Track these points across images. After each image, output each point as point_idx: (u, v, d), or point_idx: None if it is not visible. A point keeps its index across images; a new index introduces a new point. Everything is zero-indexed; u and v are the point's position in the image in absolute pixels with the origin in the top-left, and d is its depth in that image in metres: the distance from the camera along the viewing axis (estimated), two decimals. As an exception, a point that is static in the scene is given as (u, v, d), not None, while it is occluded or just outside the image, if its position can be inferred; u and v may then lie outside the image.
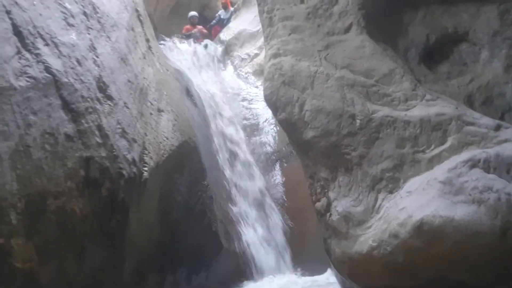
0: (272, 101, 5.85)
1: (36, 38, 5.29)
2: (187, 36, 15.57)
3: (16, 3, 5.20)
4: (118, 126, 6.04)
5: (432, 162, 4.86)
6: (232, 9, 16.30)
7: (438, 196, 4.37)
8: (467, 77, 5.65)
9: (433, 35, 5.90)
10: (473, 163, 4.46)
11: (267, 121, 11.49)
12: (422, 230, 4.31)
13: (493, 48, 5.66)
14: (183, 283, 7.65)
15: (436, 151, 4.90)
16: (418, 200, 4.51)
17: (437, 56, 5.88)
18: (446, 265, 4.28)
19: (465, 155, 4.63)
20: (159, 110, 7.72)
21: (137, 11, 8.33)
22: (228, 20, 15.92)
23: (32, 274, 4.72)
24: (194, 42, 14.82)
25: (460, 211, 4.18)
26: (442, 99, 5.26)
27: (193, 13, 16.39)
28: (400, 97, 5.28)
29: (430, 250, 4.30)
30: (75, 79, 5.55)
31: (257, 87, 12.42)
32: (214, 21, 16.65)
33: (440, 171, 4.60)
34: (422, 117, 5.05)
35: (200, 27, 16.37)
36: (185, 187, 7.92)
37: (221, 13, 16.52)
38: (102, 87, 5.99)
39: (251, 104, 12.14)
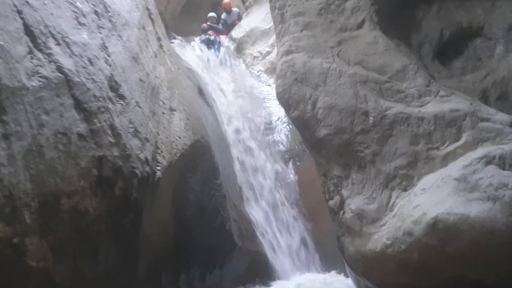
0: (284, 99, 5.82)
1: (48, 37, 5.30)
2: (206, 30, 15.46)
3: (27, 2, 5.20)
4: (131, 125, 6.05)
5: (447, 159, 4.80)
6: (237, 10, 16.22)
7: (453, 193, 4.32)
8: (482, 72, 5.57)
9: (447, 30, 5.83)
10: (488, 160, 4.39)
11: (279, 120, 11.47)
12: (436, 227, 4.27)
13: (508, 42, 5.57)
14: (197, 281, 7.67)
15: (451, 147, 4.84)
16: (433, 198, 4.46)
17: (451, 51, 5.81)
18: (462, 263, 4.23)
19: (480, 151, 4.56)
20: (171, 109, 7.73)
21: (148, 9, 8.34)
22: (239, 19, 15.84)
23: (47, 272, 4.74)
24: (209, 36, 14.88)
25: (475, 209, 4.13)
26: (457, 95, 5.19)
27: (211, 14, 16.16)
28: (413, 93, 5.23)
29: (445, 248, 4.25)
30: (87, 79, 5.56)
31: (269, 85, 12.39)
32: (220, 26, 16.37)
33: (455, 168, 4.54)
34: (436, 114, 5.00)
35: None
36: (198, 186, 7.93)
37: (225, 17, 16.30)
38: (114, 86, 6.00)
39: (264, 102, 12.10)
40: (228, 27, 15.95)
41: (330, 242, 7.18)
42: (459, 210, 4.16)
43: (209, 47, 14.49)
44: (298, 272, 9.03)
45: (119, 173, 5.66)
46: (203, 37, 14.95)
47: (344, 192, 5.31)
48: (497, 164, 4.32)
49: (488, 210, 4.06)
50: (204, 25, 15.74)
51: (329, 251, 8.00)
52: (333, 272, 8.48)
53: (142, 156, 6.11)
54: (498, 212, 4.03)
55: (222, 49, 14.55)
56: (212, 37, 14.77)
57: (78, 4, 5.96)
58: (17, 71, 4.79)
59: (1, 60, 4.66)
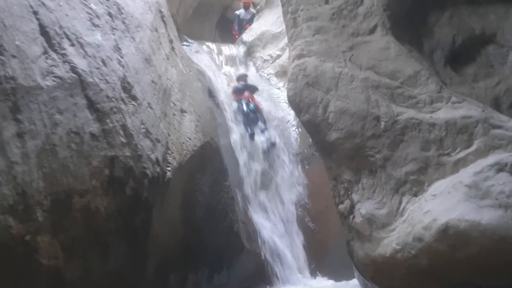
0: (295, 102, 5.83)
1: (62, 38, 5.36)
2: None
3: (43, 3, 5.27)
4: (142, 126, 6.10)
5: (458, 165, 4.80)
6: (253, 10, 16.15)
7: (464, 200, 4.31)
8: (494, 79, 5.56)
9: (460, 37, 5.82)
10: (500, 167, 4.38)
11: (289, 123, 11.45)
12: (447, 234, 4.26)
13: (521, 50, 5.57)
14: (205, 282, 7.69)
15: (462, 154, 4.83)
16: (443, 204, 4.45)
17: (463, 58, 5.80)
18: (472, 270, 4.22)
19: (492, 158, 4.55)
20: (182, 111, 7.77)
21: (160, 12, 8.39)
22: (250, 21, 15.81)
23: (58, 270, 4.78)
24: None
25: (487, 216, 4.12)
26: (468, 101, 5.19)
27: (242, 72, 12.48)
28: (425, 99, 5.23)
29: (456, 254, 4.24)
30: (100, 79, 5.61)
31: (279, 88, 12.39)
32: (236, 26, 16.17)
33: (466, 174, 4.54)
34: (447, 120, 4.99)
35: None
36: (207, 187, 7.96)
37: (241, 13, 16.16)
38: (126, 87, 6.04)
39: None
40: (239, 23, 15.89)
41: (338, 246, 7.19)
42: (470, 216, 4.15)
43: (249, 124, 10.77)
44: (305, 276, 9.01)
45: (131, 173, 5.71)
46: (241, 105, 11.14)
47: (355, 197, 5.32)
48: (509, 171, 4.30)
49: (500, 217, 4.05)
50: (236, 85, 11.88)
51: (337, 254, 7.97)
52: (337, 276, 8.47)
53: (153, 156, 6.15)
54: (509, 219, 4.02)
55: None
56: (251, 106, 11.04)
57: (92, 5, 6.02)
58: (32, 70, 4.86)
59: (17, 60, 4.73)
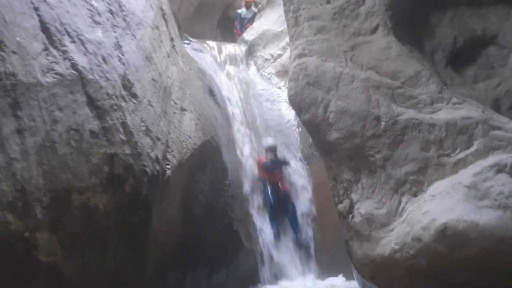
0: (296, 102, 5.83)
1: (63, 35, 5.35)
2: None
3: (44, 0, 5.25)
4: (142, 124, 6.09)
5: (457, 166, 4.80)
6: (255, 9, 16.16)
7: (463, 201, 4.31)
8: (495, 80, 5.56)
9: (461, 38, 5.82)
10: (500, 168, 4.37)
11: (289, 122, 11.45)
12: (446, 234, 4.26)
13: (522, 51, 5.56)
14: (204, 280, 7.69)
15: (462, 155, 4.84)
16: (442, 204, 4.45)
17: (464, 59, 5.80)
18: (471, 271, 4.22)
19: (491, 159, 4.55)
20: (182, 109, 7.76)
21: (162, 9, 8.39)
22: (251, 19, 15.81)
23: (56, 267, 4.78)
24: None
25: (485, 216, 4.11)
26: (469, 102, 5.19)
27: (271, 143, 10.07)
28: (426, 99, 5.23)
29: (454, 255, 4.24)
30: (101, 77, 5.60)
31: (279, 88, 12.39)
32: (238, 25, 16.24)
33: (465, 175, 4.53)
34: (448, 121, 4.99)
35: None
36: (207, 185, 7.97)
37: (242, 11, 16.20)
38: (127, 85, 6.04)
39: (274, 105, 12.09)
40: (241, 22, 15.91)
41: (337, 245, 7.18)
42: (469, 217, 4.15)
43: (276, 218, 9.33)
44: (304, 275, 9.01)
45: (130, 170, 5.70)
46: (267, 190, 9.52)
47: (354, 196, 5.33)
48: (508, 172, 4.30)
49: (499, 218, 4.05)
50: (263, 158, 9.94)
51: (336, 254, 7.98)
52: (340, 276, 8.45)
53: (153, 154, 6.15)
54: (508, 220, 4.01)
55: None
56: (281, 193, 9.48)
57: (93, 2, 6.01)
58: (32, 67, 4.84)
59: (17, 56, 4.71)
